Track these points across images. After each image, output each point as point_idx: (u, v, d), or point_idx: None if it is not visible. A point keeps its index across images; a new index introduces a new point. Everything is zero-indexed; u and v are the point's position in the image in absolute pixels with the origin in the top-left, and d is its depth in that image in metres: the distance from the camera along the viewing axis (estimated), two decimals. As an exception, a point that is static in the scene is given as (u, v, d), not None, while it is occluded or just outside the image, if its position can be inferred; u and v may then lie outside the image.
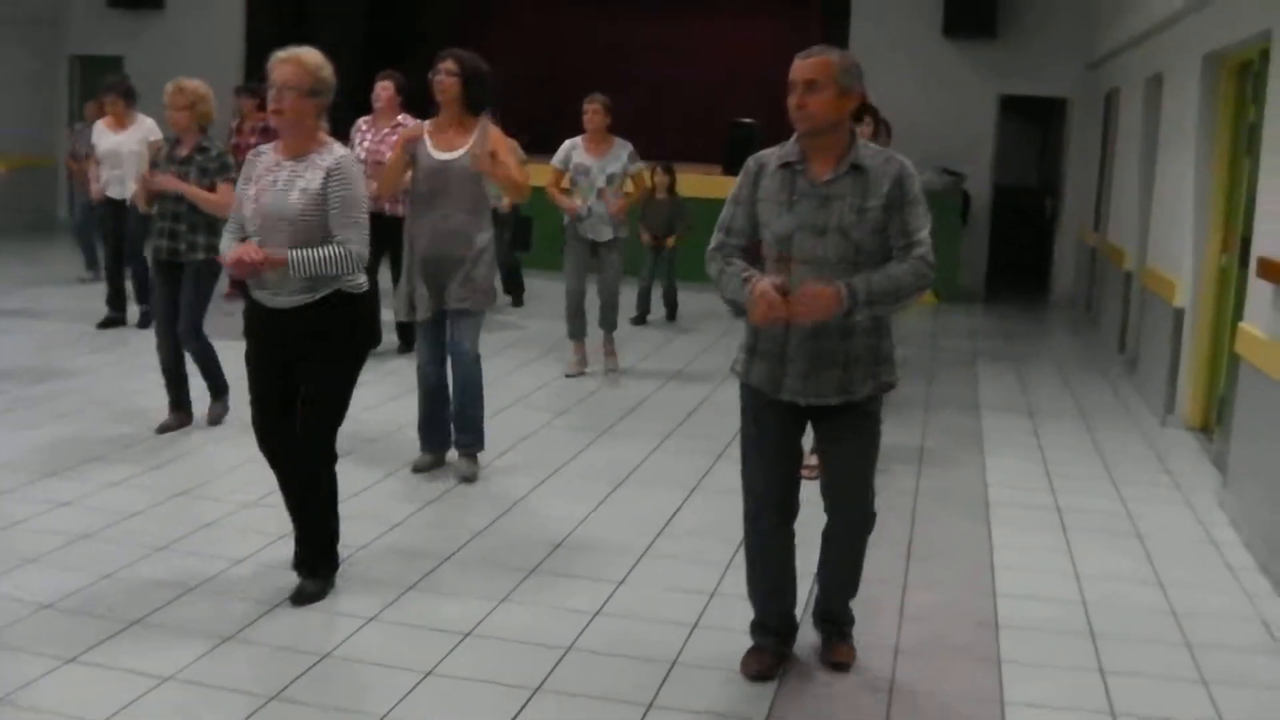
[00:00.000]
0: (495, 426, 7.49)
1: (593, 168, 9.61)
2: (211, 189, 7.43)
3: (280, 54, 4.96)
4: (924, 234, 4.29)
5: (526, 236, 13.91)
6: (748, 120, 15.80)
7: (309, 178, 4.96)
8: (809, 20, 17.83)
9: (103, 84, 11.13)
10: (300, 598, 5.09)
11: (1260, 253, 6.76)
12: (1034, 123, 17.96)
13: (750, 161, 4.50)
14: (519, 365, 10.03)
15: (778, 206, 4.37)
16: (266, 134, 11.61)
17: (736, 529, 4.80)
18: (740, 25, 18.64)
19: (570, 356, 9.88)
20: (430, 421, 7.03)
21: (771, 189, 4.40)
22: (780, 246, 4.36)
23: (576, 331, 9.84)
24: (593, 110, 9.56)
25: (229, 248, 5.07)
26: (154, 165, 7.72)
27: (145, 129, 10.66)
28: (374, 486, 6.69)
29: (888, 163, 4.32)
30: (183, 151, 7.51)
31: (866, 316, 4.26)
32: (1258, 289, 6.73)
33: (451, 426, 7.04)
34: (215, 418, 7.82)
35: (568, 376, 9.68)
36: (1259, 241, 6.92)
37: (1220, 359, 8.38)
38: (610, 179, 9.57)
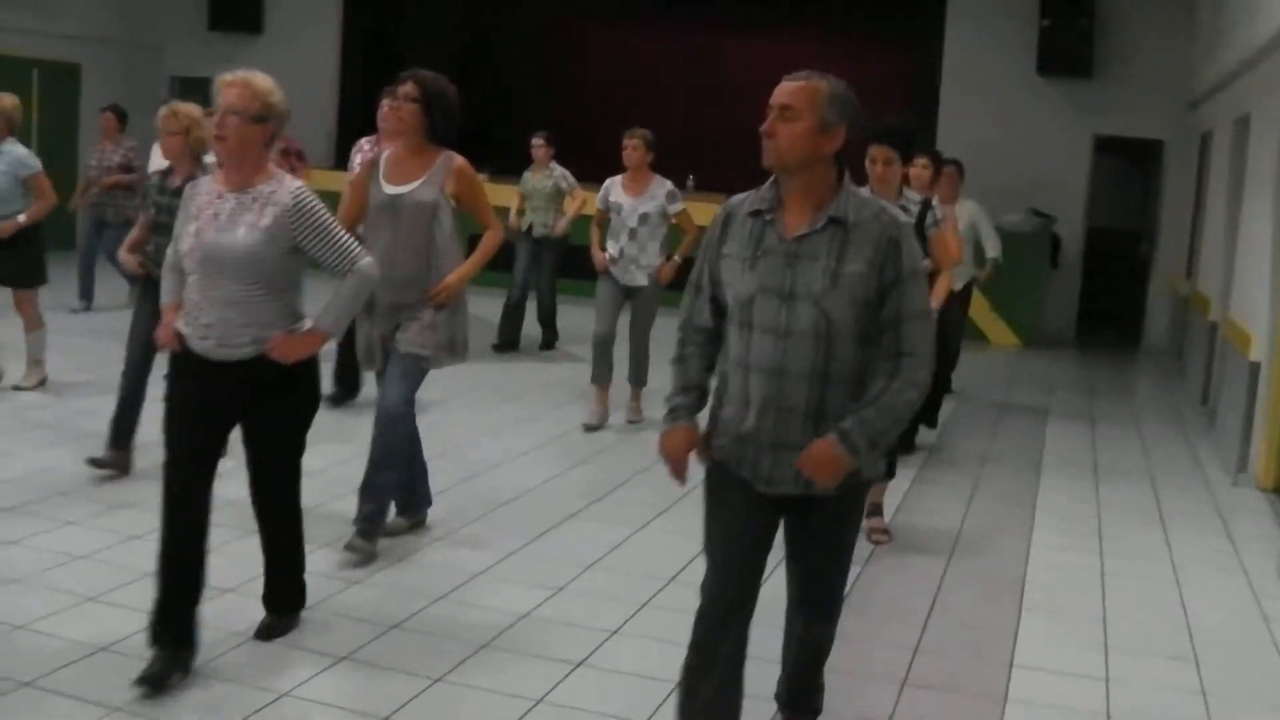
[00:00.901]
0: (481, 485, 7.21)
1: (625, 207, 8.98)
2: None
3: (227, 76, 4.50)
4: (922, 337, 3.58)
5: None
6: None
7: (258, 212, 4.49)
8: (899, 54, 17.48)
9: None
10: (269, 632, 4.91)
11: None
12: (1132, 165, 17.40)
13: (722, 206, 3.82)
14: (537, 413, 9.36)
15: (740, 264, 3.65)
16: (285, 156, 11.47)
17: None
18: (830, 57, 18.24)
19: (592, 405, 9.18)
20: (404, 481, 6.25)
21: (738, 242, 3.69)
22: (741, 313, 3.65)
23: (600, 375, 9.10)
24: (632, 146, 8.92)
25: (170, 293, 4.75)
26: (144, 195, 7.18)
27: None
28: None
29: (878, 218, 3.57)
30: (175, 181, 6.65)
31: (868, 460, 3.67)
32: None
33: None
34: None
35: (586, 429, 8.97)
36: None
37: (1296, 417, 7.93)
38: (643, 219, 8.94)
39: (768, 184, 3.70)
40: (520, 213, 11.90)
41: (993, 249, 11.36)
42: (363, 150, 8.91)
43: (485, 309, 12.18)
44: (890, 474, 6.70)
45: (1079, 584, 6.28)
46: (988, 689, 4.97)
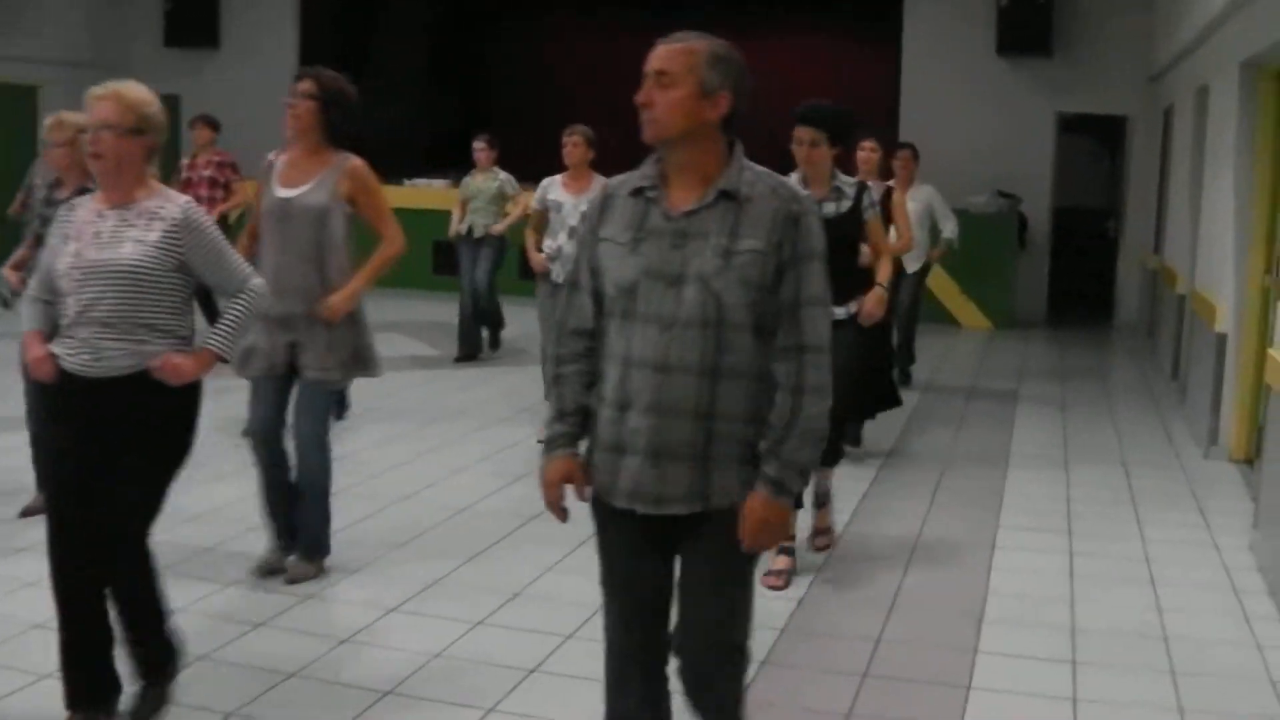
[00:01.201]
0: (409, 508, 6.82)
1: (566, 204, 8.68)
2: None
3: (96, 90, 4.20)
4: (823, 326, 3.18)
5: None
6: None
7: (143, 228, 4.19)
8: (859, 41, 17.40)
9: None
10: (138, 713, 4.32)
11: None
12: (1098, 142, 17.30)
13: (600, 189, 3.41)
14: (479, 427, 8.86)
15: (620, 247, 3.22)
16: (220, 169, 11.32)
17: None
18: (783, 47, 18.17)
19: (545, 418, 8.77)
20: (273, 506, 5.74)
21: (618, 224, 3.26)
22: (623, 302, 3.20)
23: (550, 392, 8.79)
24: (572, 144, 8.70)
25: (33, 321, 4.36)
26: (30, 209, 6.80)
27: None
28: (199, 602, 5.35)
29: (776, 192, 3.18)
30: (63, 194, 6.13)
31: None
32: (1282, 315, 6.20)
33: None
34: None
35: (540, 443, 8.67)
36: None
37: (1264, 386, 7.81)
38: (584, 217, 8.68)
39: (650, 160, 3.30)
40: (461, 218, 11.65)
41: (948, 230, 11.23)
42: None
43: (449, 318, 12.12)
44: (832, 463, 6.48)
45: (1045, 589, 5.95)
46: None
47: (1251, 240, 8.21)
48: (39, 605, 4.56)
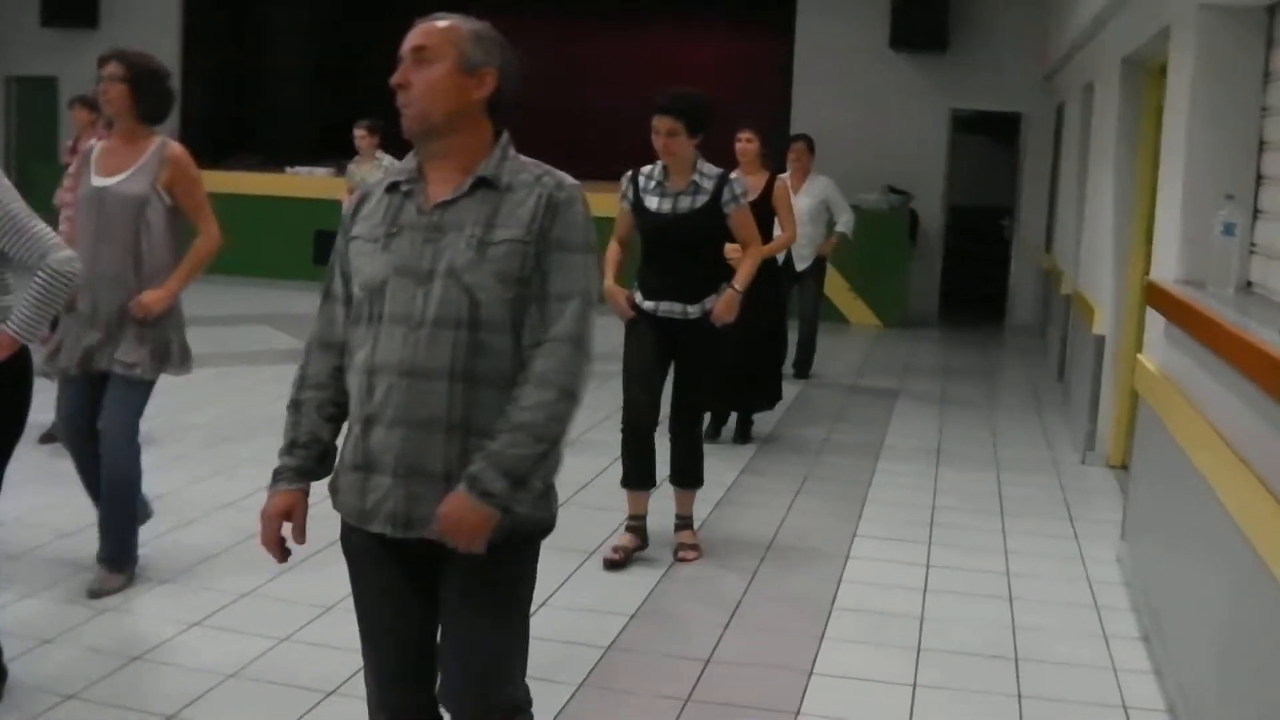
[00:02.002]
0: (230, 516, 6.24)
1: None
2: None
3: None
4: (574, 321, 2.83)
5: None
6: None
7: None
8: (749, 34, 17.14)
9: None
10: None
11: (1154, 275, 5.96)
12: (994, 140, 17.10)
13: (357, 192, 3.12)
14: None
15: (371, 245, 2.90)
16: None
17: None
18: (673, 39, 17.86)
19: None
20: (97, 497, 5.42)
21: (370, 222, 2.94)
22: (370, 303, 2.87)
23: None
24: None
25: None
26: None
27: None
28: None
29: (540, 181, 2.89)
30: None
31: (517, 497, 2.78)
32: (1151, 318, 5.92)
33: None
34: None
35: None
36: (1155, 262, 6.12)
37: (1140, 392, 7.57)
38: None
39: (409, 155, 3.01)
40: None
41: (843, 224, 11.02)
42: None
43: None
44: (697, 482, 6.21)
45: (894, 604, 5.63)
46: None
47: (1131, 240, 7.96)
48: None
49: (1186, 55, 5.65)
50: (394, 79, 2.88)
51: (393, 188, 2.95)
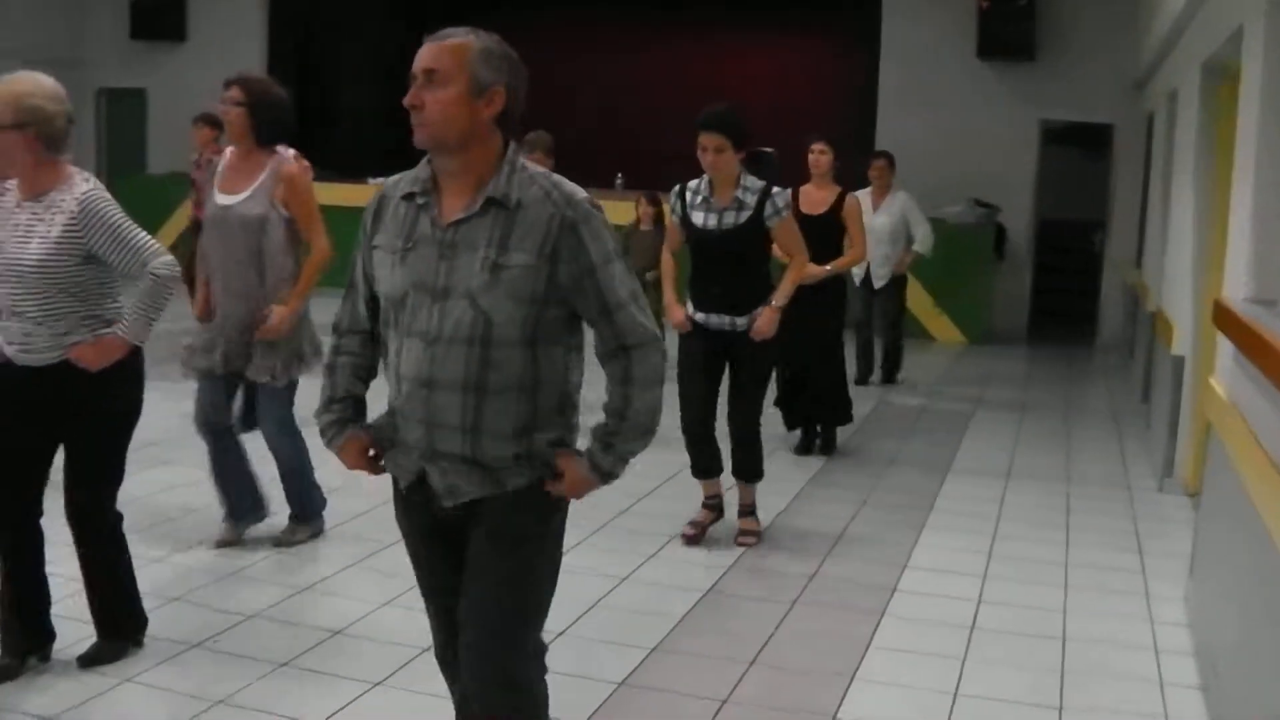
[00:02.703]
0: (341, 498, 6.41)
1: None
2: None
3: None
4: (640, 323, 3.06)
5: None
6: (766, 150, 14.67)
7: (48, 222, 4.23)
8: (835, 44, 16.81)
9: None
10: (92, 659, 4.56)
11: (1225, 293, 5.58)
12: (1086, 152, 16.56)
13: (376, 192, 3.24)
14: None
15: (391, 257, 3.06)
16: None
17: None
18: (761, 51, 17.57)
19: None
20: (222, 486, 5.95)
21: (389, 232, 3.09)
22: (393, 313, 3.07)
23: None
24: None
25: None
26: None
27: None
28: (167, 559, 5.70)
29: (549, 198, 2.97)
30: None
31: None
32: (1222, 340, 5.53)
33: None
34: None
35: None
36: (1226, 279, 5.73)
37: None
38: None
39: (423, 161, 3.11)
40: None
41: (919, 241, 10.74)
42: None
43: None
44: (756, 475, 6.49)
45: (935, 642, 5.30)
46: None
47: (1210, 255, 7.54)
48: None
49: (1256, 57, 5.28)
50: (407, 100, 2.96)
51: (408, 198, 3.06)
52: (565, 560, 5.65)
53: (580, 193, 3.03)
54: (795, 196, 7.94)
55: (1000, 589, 5.87)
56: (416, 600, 3.45)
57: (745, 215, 6.04)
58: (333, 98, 18.60)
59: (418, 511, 3.21)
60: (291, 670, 4.65)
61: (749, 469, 6.46)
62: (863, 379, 10.95)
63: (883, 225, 10.58)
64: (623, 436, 3.09)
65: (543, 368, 3.04)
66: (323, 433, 3.26)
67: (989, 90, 14.68)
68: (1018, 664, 5.00)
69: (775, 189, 6.09)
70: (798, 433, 8.41)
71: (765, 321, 6.13)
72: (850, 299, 9.81)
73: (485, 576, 3.12)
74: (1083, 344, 14.67)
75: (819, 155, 8.12)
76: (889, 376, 11.12)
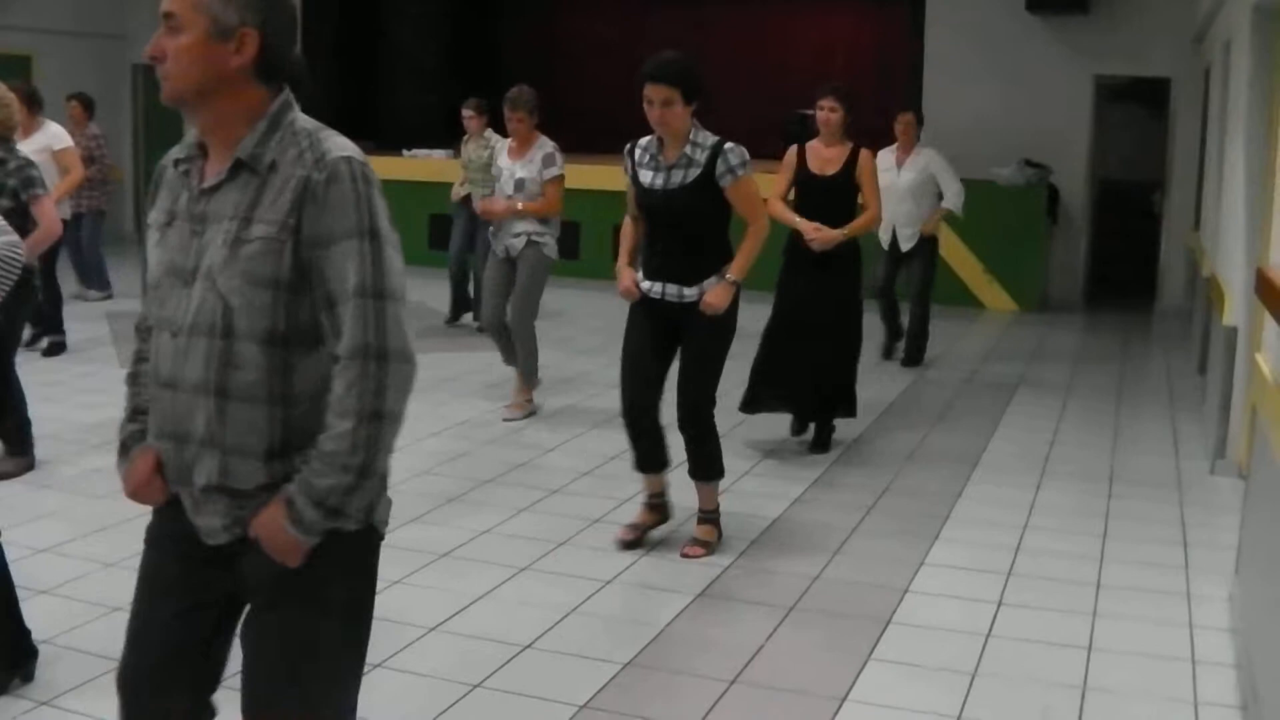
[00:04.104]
0: None
1: (504, 170, 8.18)
2: (15, 210, 6.34)
3: None
4: (369, 327, 2.43)
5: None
6: (806, 112, 14.08)
7: None
8: (877, 1, 16.15)
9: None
10: None
11: (1268, 263, 4.99)
12: (1147, 109, 15.81)
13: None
14: (445, 400, 8.49)
15: (154, 234, 2.63)
16: None
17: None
18: (803, 9, 16.92)
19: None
20: None
21: (158, 206, 2.65)
22: (153, 302, 2.63)
23: (506, 358, 8.39)
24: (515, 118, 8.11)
25: None
26: None
27: (49, 136, 9.65)
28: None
29: (303, 158, 2.47)
30: None
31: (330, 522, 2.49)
32: (1268, 315, 4.95)
33: None
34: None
35: (505, 420, 8.10)
36: (1274, 248, 5.15)
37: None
38: (519, 185, 8.01)
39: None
40: (461, 183, 11.26)
41: (950, 200, 10.10)
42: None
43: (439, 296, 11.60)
44: (715, 474, 5.77)
45: (949, 653, 4.78)
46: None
47: (1264, 219, 6.90)
48: None
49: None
50: (146, 50, 2.53)
51: (178, 164, 2.62)
52: (545, 563, 5.32)
53: (342, 150, 2.48)
54: (801, 154, 7.41)
55: (1024, 589, 5.34)
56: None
57: (694, 174, 5.42)
58: (371, 71, 18.22)
59: (175, 545, 2.66)
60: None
61: (702, 465, 5.71)
62: (888, 352, 10.36)
63: (907, 182, 9.97)
64: (314, 472, 2.44)
65: (296, 375, 2.49)
66: (122, 447, 2.73)
67: (1040, 45, 13.99)
68: (1034, 680, 4.47)
69: (728, 145, 5.47)
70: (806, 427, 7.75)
71: (717, 295, 5.46)
72: (873, 265, 9.23)
73: (257, 657, 2.59)
74: (1142, 311, 13.93)
75: (829, 112, 7.40)
76: (912, 358, 10.24)
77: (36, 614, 4.47)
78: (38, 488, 6.42)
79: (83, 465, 6.77)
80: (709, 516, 5.78)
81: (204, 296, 2.48)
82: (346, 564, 2.58)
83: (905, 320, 10.33)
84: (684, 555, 5.62)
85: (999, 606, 5.14)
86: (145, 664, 2.66)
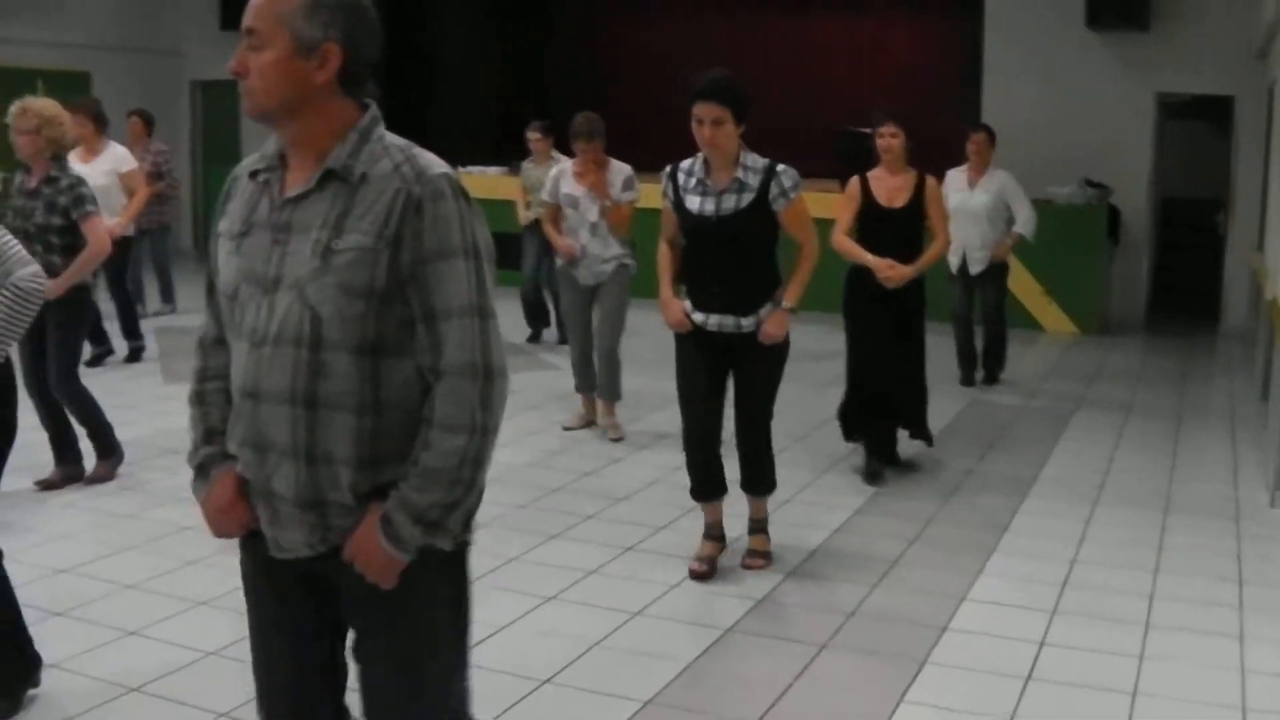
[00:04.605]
0: None
1: (581, 199, 7.96)
2: (67, 228, 6.37)
3: None
4: (467, 343, 2.47)
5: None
6: (862, 130, 13.88)
7: None
8: (937, 15, 15.92)
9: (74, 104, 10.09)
10: None
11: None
12: (1210, 126, 15.48)
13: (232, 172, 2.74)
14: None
15: (229, 244, 2.61)
16: None
17: None
18: (858, 24, 16.72)
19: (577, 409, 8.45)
20: None
21: (232, 215, 2.63)
22: (230, 313, 2.61)
23: (584, 385, 8.36)
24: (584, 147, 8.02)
25: None
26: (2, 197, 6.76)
27: (115, 159, 9.64)
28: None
29: (398, 171, 2.48)
30: (31, 182, 6.46)
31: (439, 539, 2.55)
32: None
33: None
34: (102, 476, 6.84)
35: (565, 429, 8.22)
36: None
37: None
38: (604, 212, 7.90)
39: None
40: (526, 205, 11.10)
41: (1021, 224, 9.88)
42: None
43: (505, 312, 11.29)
44: (768, 488, 5.79)
45: (1003, 651, 4.70)
46: None
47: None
48: None
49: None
50: (230, 66, 2.50)
51: (254, 175, 2.61)
52: (570, 593, 5.17)
53: (439, 166, 2.51)
54: (864, 185, 7.20)
55: (1068, 628, 5.12)
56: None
57: (748, 198, 5.28)
58: (428, 82, 18.22)
59: (267, 566, 2.67)
60: None
61: (758, 481, 5.76)
62: (968, 379, 10.13)
63: (980, 204, 9.77)
64: (415, 487, 2.46)
65: (385, 385, 2.49)
66: (199, 469, 2.69)
67: (1100, 61, 13.71)
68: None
69: (781, 166, 5.34)
70: (854, 448, 7.58)
71: (776, 325, 5.41)
72: (942, 289, 9.04)
73: (382, 653, 2.64)
74: (1205, 333, 13.59)
75: (890, 139, 7.17)
76: (991, 376, 10.24)
77: (49, 636, 4.42)
78: (61, 507, 6.37)
79: (105, 487, 6.76)
80: (761, 526, 5.83)
81: (290, 306, 2.46)
82: (443, 580, 2.62)
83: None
84: (745, 567, 5.67)
85: (1041, 647, 4.93)
86: (280, 702, 2.74)
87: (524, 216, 11.15)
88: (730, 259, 5.37)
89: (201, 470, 2.69)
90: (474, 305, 2.47)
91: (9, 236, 3.98)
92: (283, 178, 2.55)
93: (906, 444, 7.64)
